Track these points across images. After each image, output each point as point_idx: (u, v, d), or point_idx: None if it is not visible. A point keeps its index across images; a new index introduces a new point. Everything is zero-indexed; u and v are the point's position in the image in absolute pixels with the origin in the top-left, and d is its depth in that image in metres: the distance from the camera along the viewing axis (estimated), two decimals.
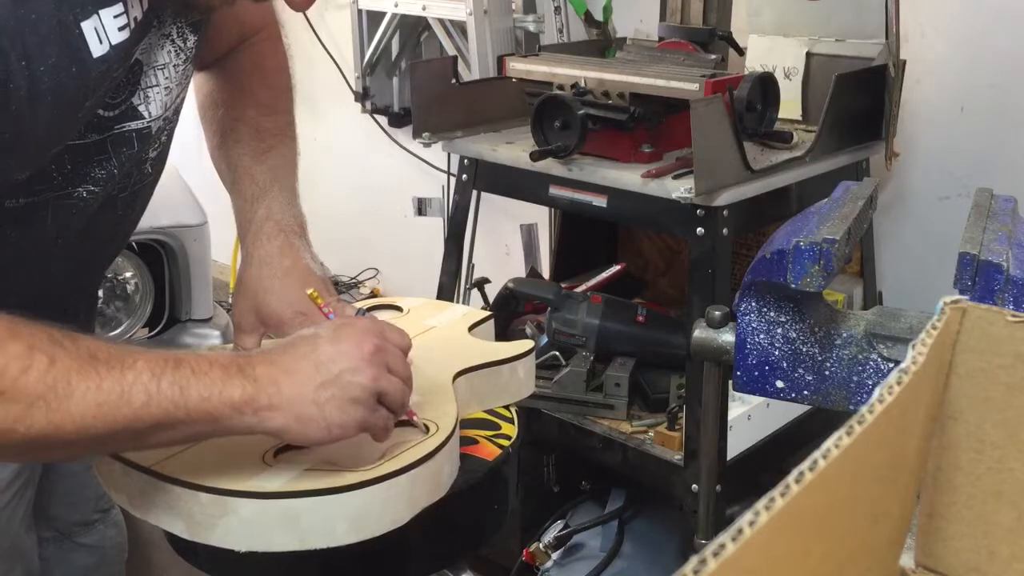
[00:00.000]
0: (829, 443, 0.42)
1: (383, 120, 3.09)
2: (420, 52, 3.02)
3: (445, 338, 1.22)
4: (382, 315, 1.23)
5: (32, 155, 0.91)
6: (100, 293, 1.49)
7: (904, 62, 1.85)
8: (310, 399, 0.89)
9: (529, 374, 1.20)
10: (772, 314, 1.07)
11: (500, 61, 1.96)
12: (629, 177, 1.69)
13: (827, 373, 1.05)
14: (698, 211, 1.62)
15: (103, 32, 0.90)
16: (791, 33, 2.05)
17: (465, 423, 1.11)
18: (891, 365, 1.02)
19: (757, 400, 1.74)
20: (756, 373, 1.08)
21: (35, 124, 0.87)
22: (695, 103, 1.53)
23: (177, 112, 1.11)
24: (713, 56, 1.95)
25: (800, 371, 1.06)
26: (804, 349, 1.06)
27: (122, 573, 1.66)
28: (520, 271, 2.43)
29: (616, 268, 2.21)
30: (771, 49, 2.06)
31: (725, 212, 1.63)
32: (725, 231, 1.64)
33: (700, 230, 1.63)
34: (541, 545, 1.94)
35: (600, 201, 1.76)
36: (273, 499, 0.90)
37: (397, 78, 3.05)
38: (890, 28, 1.85)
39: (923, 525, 0.64)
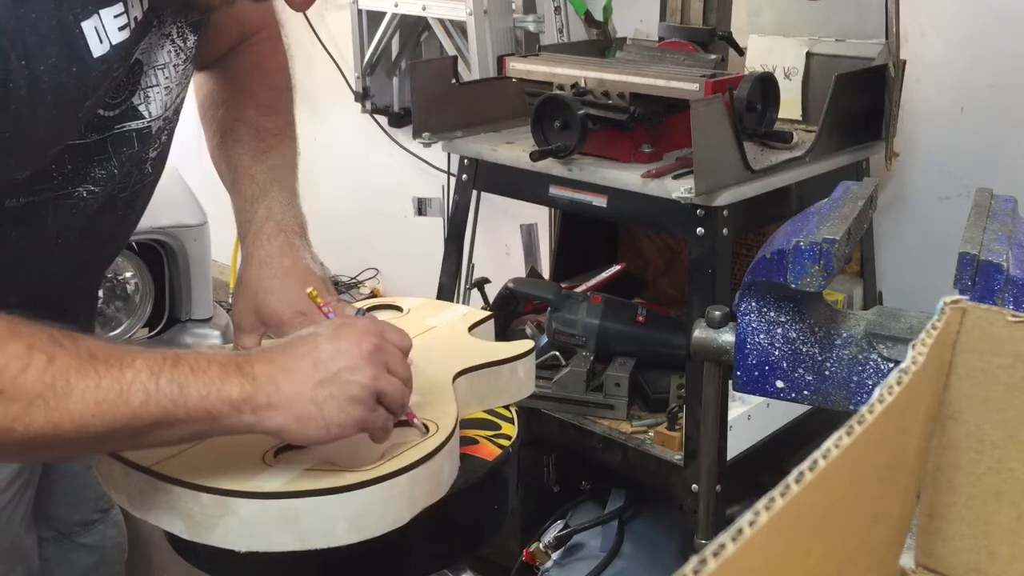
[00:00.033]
0: (829, 443, 0.42)
1: (383, 120, 3.09)
2: (420, 52, 3.02)
3: (445, 338, 1.22)
4: (382, 315, 1.23)
5: (32, 155, 0.91)
6: (100, 293, 1.49)
7: (904, 62, 1.85)
8: (309, 398, 0.89)
9: (529, 374, 1.20)
10: (772, 314, 1.07)
11: (500, 61, 1.96)
12: (629, 177, 1.69)
13: (827, 373, 1.05)
14: (698, 211, 1.62)
15: (103, 32, 0.90)
16: (791, 33, 2.05)
17: (465, 423, 1.11)
18: (891, 365, 1.02)
19: (757, 400, 1.74)
20: (756, 373, 1.08)
21: (35, 124, 0.87)
22: (695, 103, 1.53)
23: (177, 112, 1.11)
24: (713, 56, 1.95)
25: (800, 371, 1.06)
26: (804, 349, 1.06)
27: (122, 573, 1.66)
28: (520, 271, 2.43)
29: (616, 268, 2.21)
30: (771, 49, 2.06)
31: (725, 212, 1.63)
32: (725, 231, 1.64)
33: (700, 230, 1.63)
34: (541, 545, 1.94)
35: (600, 201, 1.76)
36: (273, 499, 0.90)
37: (397, 78, 3.05)
38: (890, 28, 1.85)
39: (923, 525, 0.64)
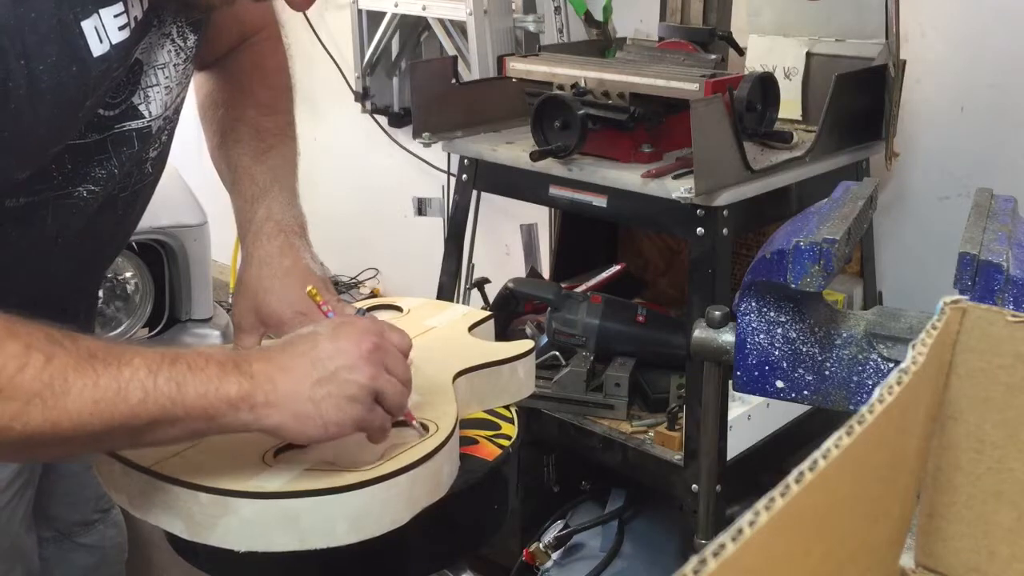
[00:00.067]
0: (829, 443, 0.42)
1: (383, 120, 3.09)
2: (420, 52, 3.02)
3: (445, 338, 1.22)
4: (382, 315, 1.23)
5: (32, 154, 0.91)
6: (100, 293, 1.49)
7: (904, 62, 1.85)
8: (306, 396, 0.89)
9: (529, 374, 1.20)
10: (772, 314, 1.07)
11: (500, 61, 1.96)
12: (629, 177, 1.69)
13: (827, 373, 1.05)
14: (698, 211, 1.62)
15: (103, 31, 0.90)
16: (791, 33, 2.05)
17: (465, 423, 1.11)
18: (891, 365, 1.02)
19: (757, 400, 1.74)
20: (756, 373, 1.08)
21: (35, 123, 0.87)
22: (695, 103, 1.53)
23: (177, 112, 1.11)
24: (713, 56, 1.95)
25: (800, 371, 1.06)
26: (804, 349, 1.06)
27: (122, 573, 1.66)
28: (520, 271, 2.43)
29: (616, 268, 2.21)
30: (771, 49, 2.06)
31: (725, 212, 1.63)
32: (725, 231, 1.64)
33: (700, 230, 1.63)
34: (541, 545, 1.94)
35: (600, 201, 1.76)
36: (273, 499, 0.90)
37: (397, 78, 3.05)
38: (890, 28, 1.85)
39: (923, 525, 0.64)
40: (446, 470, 0.99)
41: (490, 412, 1.17)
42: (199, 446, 0.95)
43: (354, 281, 3.52)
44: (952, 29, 2.02)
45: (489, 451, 1.10)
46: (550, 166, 1.77)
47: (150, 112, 1.03)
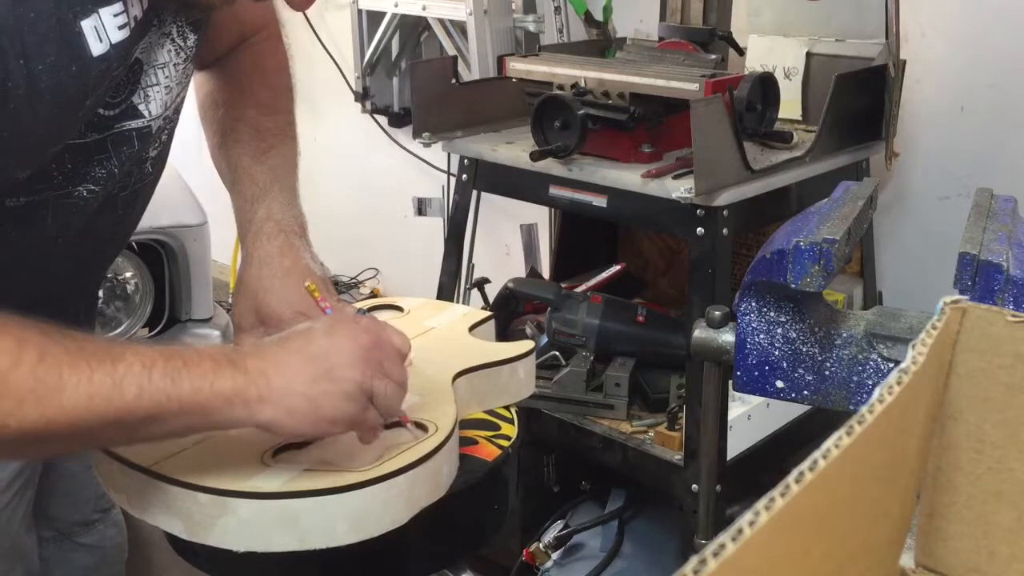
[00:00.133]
0: (829, 443, 0.42)
1: (383, 120, 3.09)
2: (420, 52, 3.02)
3: (445, 338, 1.22)
4: (382, 315, 1.23)
5: (32, 154, 0.91)
6: (100, 293, 1.49)
7: (904, 62, 1.85)
8: (300, 392, 0.89)
9: (529, 375, 1.20)
10: (772, 314, 1.07)
11: (500, 61, 1.95)
12: (629, 177, 1.69)
13: (827, 373, 1.05)
14: (698, 211, 1.62)
15: (103, 31, 0.90)
16: (791, 33, 2.05)
17: (465, 423, 1.11)
18: (891, 365, 1.02)
19: (757, 400, 1.74)
20: (756, 373, 1.08)
21: (35, 123, 0.87)
22: (695, 103, 1.53)
23: (177, 111, 1.11)
24: (713, 56, 1.95)
25: (800, 371, 1.06)
26: (804, 349, 1.06)
27: (122, 573, 1.66)
28: (520, 271, 2.43)
29: (616, 268, 2.21)
30: (771, 49, 2.06)
31: (725, 212, 1.62)
32: (725, 231, 1.64)
33: (700, 230, 1.63)
34: (541, 545, 1.94)
35: (600, 201, 1.75)
36: (272, 499, 0.90)
37: (397, 78, 3.05)
38: (890, 28, 1.85)
39: (923, 525, 0.64)
40: (446, 470, 0.99)
41: (490, 412, 1.17)
42: (198, 446, 0.95)
43: (354, 281, 3.51)
44: (952, 29, 2.02)
45: (489, 451, 1.10)
46: (550, 166, 1.77)
47: (150, 112, 1.03)
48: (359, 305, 1.22)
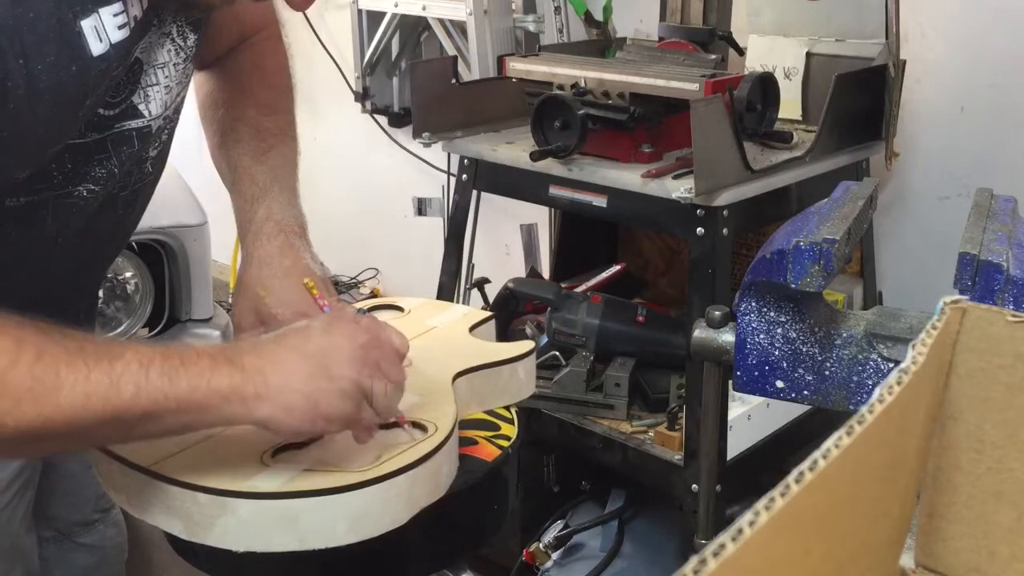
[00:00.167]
0: (829, 443, 0.42)
1: (383, 120, 3.09)
2: (420, 52, 3.02)
3: (445, 338, 1.22)
4: (383, 315, 1.23)
5: (32, 154, 0.91)
6: (100, 293, 1.49)
7: (904, 62, 1.85)
8: (297, 389, 0.89)
9: (529, 375, 1.20)
10: (772, 314, 1.07)
11: (500, 61, 1.95)
12: (629, 177, 1.69)
13: (827, 373, 1.05)
14: (698, 211, 1.62)
15: (103, 31, 0.90)
16: (791, 33, 2.05)
17: (465, 424, 1.11)
18: (891, 365, 1.02)
19: (757, 400, 1.74)
20: (756, 373, 1.08)
21: (34, 123, 0.87)
22: (695, 103, 1.53)
23: (178, 111, 1.11)
24: (713, 56, 1.95)
25: (800, 371, 1.06)
26: (804, 349, 1.06)
27: (122, 573, 1.66)
28: (520, 271, 2.43)
29: (616, 268, 2.21)
30: (771, 49, 2.06)
31: (725, 212, 1.62)
32: (725, 231, 1.64)
33: (700, 230, 1.63)
34: (541, 545, 1.94)
35: (600, 201, 1.75)
36: (271, 499, 0.90)
37: (397, 78, 3.05)
38: (890, 28, 1.85)
39: (923, 525, 0.64)
40: (445, 470, 0.99)
41: (490, 413, 1.17)
42: (198, 446, 0.95)
43: (354, 281, 3.51)
44: (952, 29, 2.02)
45: (488, 452, 1.10)
46: (550, 166, 1.77)
47: (150, 111, 1.03)
48: (359, 305, 1.22)
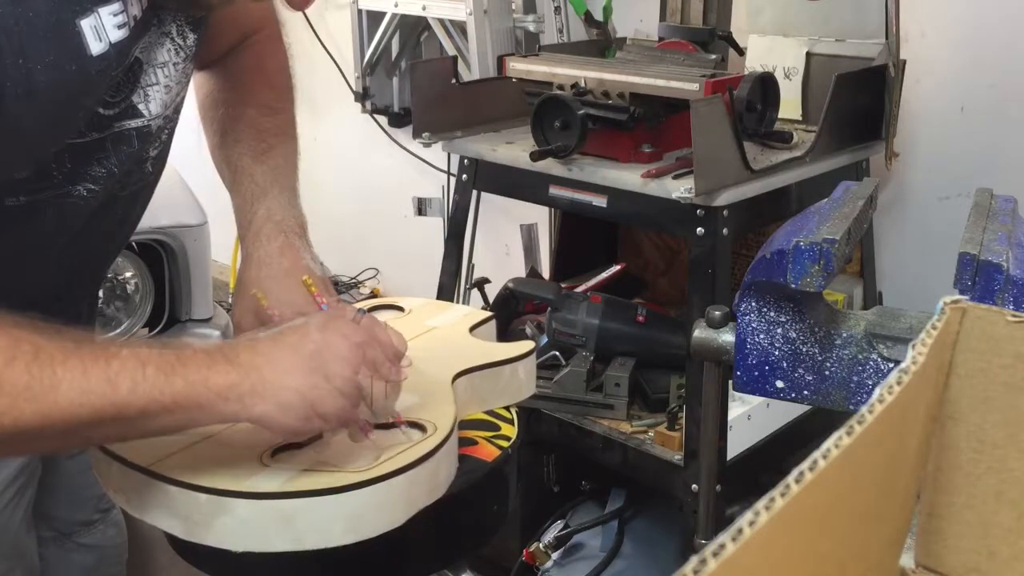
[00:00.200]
0: (829, 443, 0.42)
1: (383, 120, 3.09)
2: (420, 52, 3.02)
3: (446, 338, 1.22)
4: (383, 315, 1.23)
5: (31, 153, 0.91)
6: (100, 293, 1.49)
7: (904, 62, 1.85)
8: (292, 387, 0.89)
9: (530, 375, 1.20)
10: (772, 314, 1.07)
11: (500, 61, 1.95)
12: (629, 177, 1.69)
13: (827, 373, 1.05)
14: (698, 211, 1.62)
15: (102, 30, 0.90)
16: (791, 33, 2.05)
17: (465, 424, 1.11)
18: (891, 365, 1.02)
19: (757, 400, 1.74)
20: (756, 373, 1.08)
21: (33, 122, 0.87)
22: (695, 103, 1.53)
23: (177, 111, 1.11)
24: (713, 56, 1.95)
25: (800, 371, 1.06)
26: (804, 349, 1.06)
27: (122, 573, 1.66)
28: (520, 271, 2.43)
29: (616, 268, 2.21)
30: (771, 49, 2.06)
31: (725, 212, 1.62)
32: (725, 231, 1.64)
33: (700, 230, 1.63)
34: (541, 545, 1.94)
35: (600, 201, 1.75)
36: (269, 499, 0.90)
37: (397, 78, 3.05)
38: (890, 28, 1.85)
39: (923, 525, 0.63)
40: (444, 471, 0.99)
41: (490, 413, 1.17)
42: (197, 446, 0.95)
43: (354, 281, 3.51)
44: (952, 29, 2.02)
45: (489, 452, 1.10)
46: (550, 166, 1.77)
47: (150, 111, 1.03)
48: (360, 305, 1.22)
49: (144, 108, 1.02)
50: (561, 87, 1.77)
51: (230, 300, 1.39)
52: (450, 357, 1.15)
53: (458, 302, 2.11)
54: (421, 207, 2.85)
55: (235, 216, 1.18)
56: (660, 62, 1.92)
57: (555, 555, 1.94)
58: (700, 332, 1.12)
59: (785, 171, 1.73)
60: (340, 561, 0.96)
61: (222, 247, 2.68)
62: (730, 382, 1.13)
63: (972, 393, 0.60)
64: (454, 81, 1.98)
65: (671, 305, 2.18)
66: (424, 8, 2.72)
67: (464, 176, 1.98)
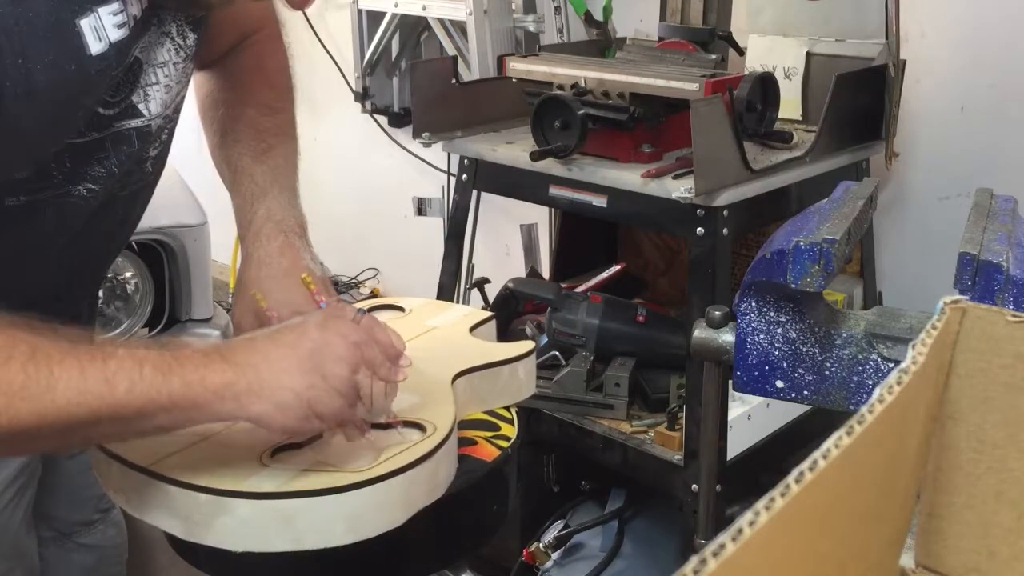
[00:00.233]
0: (829, 443, 0.42)
1: (383, 120, 3.09)
2: (420, 52, 3.02)
3: (446, 338, 1.22)
4: (383, 315, 1.23)
5: (31, 153, 0.91)
6: (100, 293, 1.49)
7: (904, 62, 1.85)
8: (289, 386, 0.89)
9: (530, 375, 1.20)
10: (772, 314, 1.07)
11: (500, 61, 1.95)
12: (629, 177, 1.69)
13: (827, 373, 1.05)
14: (698, 211, 1.62)
15: (101, 30, 0.90)
16: (791, 33, 2.05)
17: (465, 424, 1.11)
18: (891, 365, 1.02)
19: (757, 400, 1.74)
20: (756, 373, 1.08)
21: (33, 122, 0.87)
22: (695, 103, 1.53)
23: (177, 110, 1.11)
24: (713, 56, 1.95)
25: (800, 371, 1.06)
26: (804, 349, 1.06)
27: (122, 573, 1.66)
28: (520, 271, 2.43)
29: (616, 268, 2.21)
30: (771, 49, 2.06)
31: (725, 212, 1.62)
32: (725, 231, 1.64)
33: (700, 230, 1.63)
34: (541, 545, 1.94)
35: (600, 201, 1.75)
36: (269, 499, 0.90)
37: (397, 78, 3.05)
38: (890, 28, 1.85)
39: (923, 525, 0.63)
40: (444, 471, 0.99)
41: (490, 413, 1.17)
42: (197, 446, 0.95)
43: (354, 281, 3.51)
44: (952, 29, 2.02)
45: (488, 452, 1.10)
46: (550, 166, 1.77)
47: (150, 111, 1.02)
48: (360, 305, 1.22)
49: (144, 108, 1.02)
50: (561, 87, 1.77)
51: (230, 300, 1.39)
52: (450, 357, 1.15)
53: (458, 302, 2.11)
54: (421, 207, 2.85)
55: (235, 216, 1.18)
56: (660, 62, 1.92)
57: (555, 555, 1.94)
58: (700, 332, 1.12)
59: (785, 171, 1.73)
60: (340, 561, 0.96)
61: (222, 247, 2.68)
62: (730, 382, 1.13)
63: (972, 393, 0.60)
64: (454, 81, 1.98)
65: (671, 305, 2.18)
66: (424, 8, 2.72)
67: (464, 176, 1.98)
